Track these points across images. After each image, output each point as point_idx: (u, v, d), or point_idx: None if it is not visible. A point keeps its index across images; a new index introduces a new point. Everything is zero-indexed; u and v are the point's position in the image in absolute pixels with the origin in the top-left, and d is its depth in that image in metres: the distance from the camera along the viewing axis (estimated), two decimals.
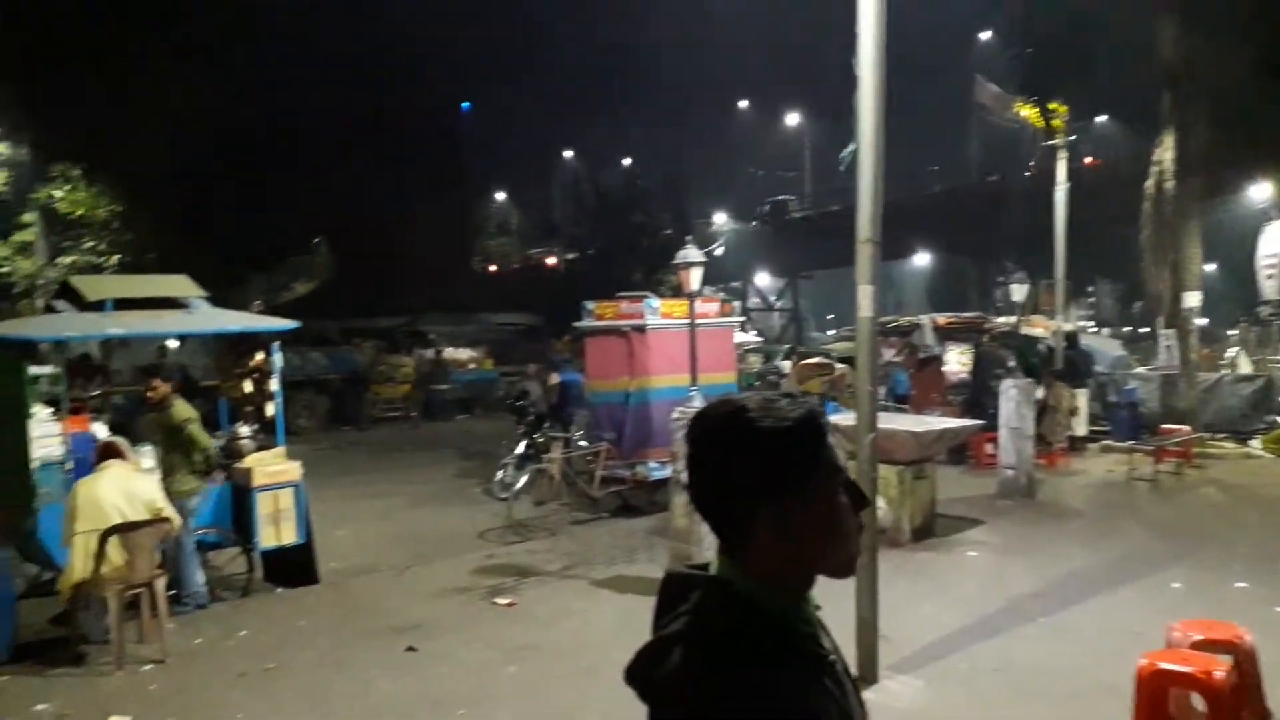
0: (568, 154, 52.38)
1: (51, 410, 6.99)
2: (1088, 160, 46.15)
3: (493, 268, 45.14)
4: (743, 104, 50.63)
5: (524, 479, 13.07)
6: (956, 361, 16.59)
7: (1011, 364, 15.39)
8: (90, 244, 21.80)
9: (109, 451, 6.26)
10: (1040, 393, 15.77)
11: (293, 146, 27.44)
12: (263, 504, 7.66)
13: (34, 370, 6.82)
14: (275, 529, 7.73)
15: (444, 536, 10.88)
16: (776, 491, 1.23)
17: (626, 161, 41.77)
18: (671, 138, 40.08)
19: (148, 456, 7.56)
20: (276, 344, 8.22)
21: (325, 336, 23.74)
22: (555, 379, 14.26)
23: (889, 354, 16.08)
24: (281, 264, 39.49)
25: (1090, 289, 47.66)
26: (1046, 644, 6.42)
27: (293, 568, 8.13)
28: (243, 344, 8.52)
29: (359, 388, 22.16)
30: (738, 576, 1.26)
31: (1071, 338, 16.68)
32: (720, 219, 37.46)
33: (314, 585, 8.13)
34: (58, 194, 21.32)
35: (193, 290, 7.79)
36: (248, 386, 8.37)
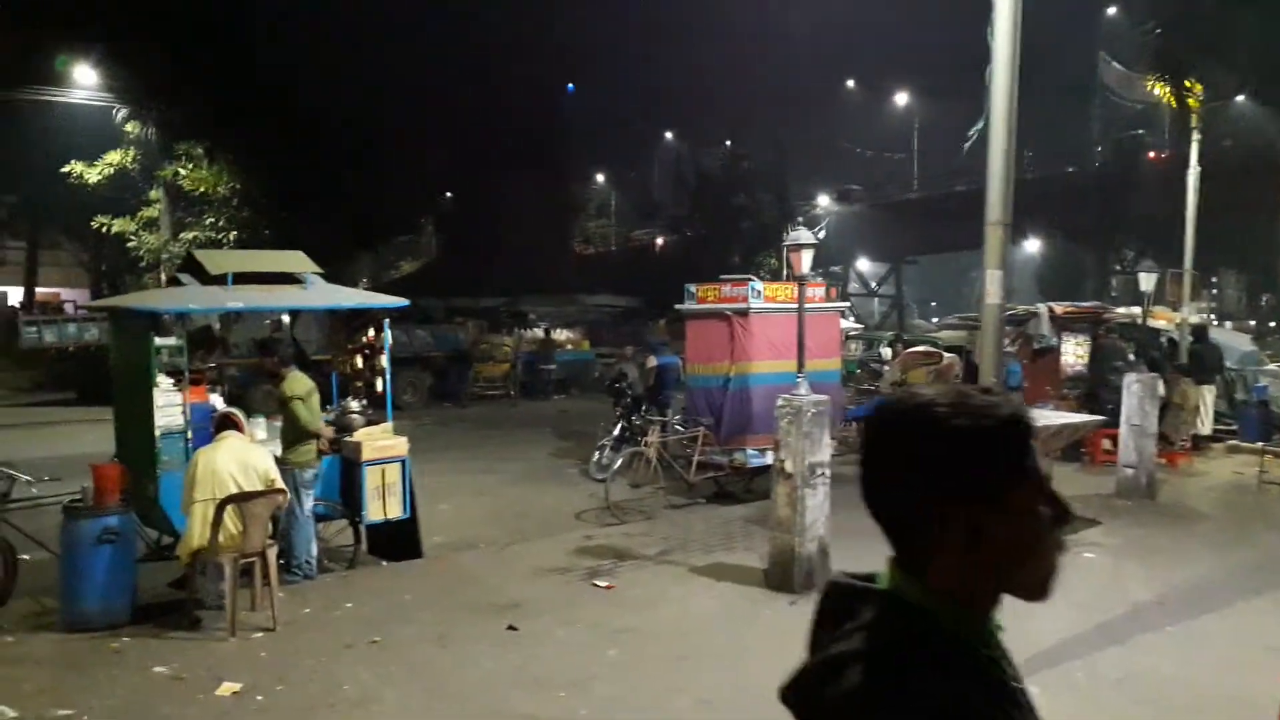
0: (668, 135, 52.27)
1: (173, 381, 7.24)
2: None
3: (591, 249, 45.41)
4: (849, 83, 49.43)
5: (620, 461, 13.11)
6: (1072, 353, 15.85)
7: (1132, 357, 14.68)
8: (210, 220, 22.69)
9: (226, 422, 6.45)
10: (1163, 388, 15.07)
11: (401, 127, 27.99)
12: (370, 478, 7.81)
13: (158, 341, 7.06)
14: (382, 503, 7.87)
15: (542, 515, 10.98)
16: (972, 499, 1.09)
17: (728, 143, 41.38)
18: (775, 117, 39.39)
19: (261, 427, 7.78)
20: (387, 321, 8.35)
21: (429, 315, 24.26)
22: (653, 362, 14.20)
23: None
24: (388, 243, 40.63)
25: (1214, 279, 45.20)
26: (1174, 655, 6.06)
27: (397, 541, 8.28)
28: (355, 320, 8.69)
29: (461, 365, 22.56)
30: (917, 592, 1.13)
31: (1199, 331, 15.77)
32: (824, 201, 36.72)
33: (417, 559, 8.27)
34: (182, 171, 22.23)
35: (308, 266, 7.97)
36: (358, 362, 8.53)
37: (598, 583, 7.51)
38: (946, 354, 17.15)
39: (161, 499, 7.07)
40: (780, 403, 7.31)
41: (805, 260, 7.46)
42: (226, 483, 6.23)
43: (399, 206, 30.80)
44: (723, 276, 11.71)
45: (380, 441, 7.93)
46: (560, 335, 25.57)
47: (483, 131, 31.82)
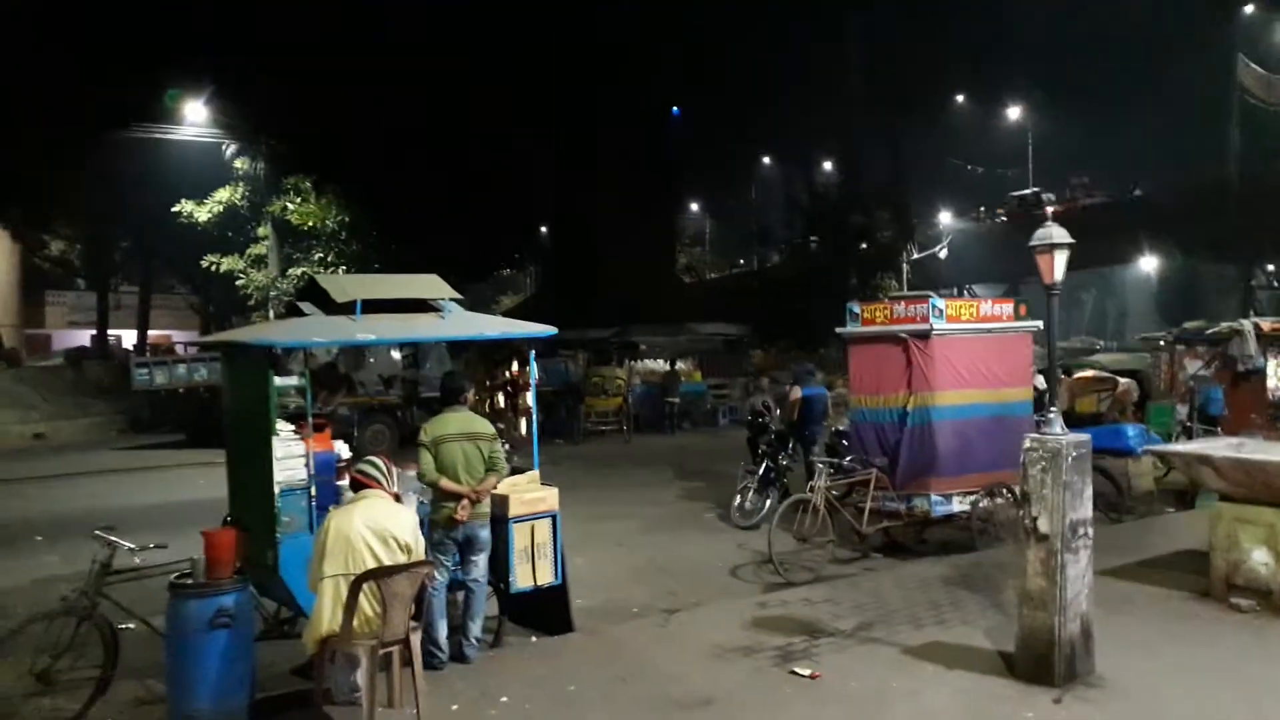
0: (767, 160, 50.91)
1: (293, 427, 6.17)
2: None
3: (693, 278, 44.24)
4: (958, 98, 47.40)
5: (767, 505, 11.70)
6: (1275, 375, 13.83)
7: None
8: (319, 255, 22.26)
9: (364, 480, 5.29)
10: None
11: (505, 160, 27.43)
12: (519, 537, 6.60)
13: (277, 381, 6.00)
14: (530, 566, 6.65)
15: (692, 571, 9.65)
16: None
17: (827, 165, 39.81)
18: (887, 134, 37.72)
19: (410, 480, 6.61)
20: (533, 352, 7.17)
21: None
22: (797, 393, 12.80)
23: (1195, 366, 13.59)
24: (491, 275, 40.24)
25: None
26: None
27: (543, 609, 7.03)
28: (495, 353, 7.52)
29: (571, 400, 21.49)
30: None
31: None
32: (945, 218, 34.81)
33: (570, 633, 7.00)
34: (290, 206, 21.87)
35: (445, 291, 6.85)
36: (500, 400, 7.35)
37: (798, 670, 6.10)
38: (1121, 379, 15.31)
39: (281, 568, 5.97)
40: (1030, 444, 5.82)
41: (1059, 265, 6.02)
42: (363, 555, 5.06)
43: (507, 236, 30.24)
44: (895, 294, 10.28)
45: (528, 494, 6.72)
46: (678, 366, 24.37)
47: (587, 158, 31.05)
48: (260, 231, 22.73)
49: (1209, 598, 7.47)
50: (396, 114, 22.15)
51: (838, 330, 10.50)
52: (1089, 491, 5.85)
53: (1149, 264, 49.37)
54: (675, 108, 38.38)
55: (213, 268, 22.98)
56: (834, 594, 8.02)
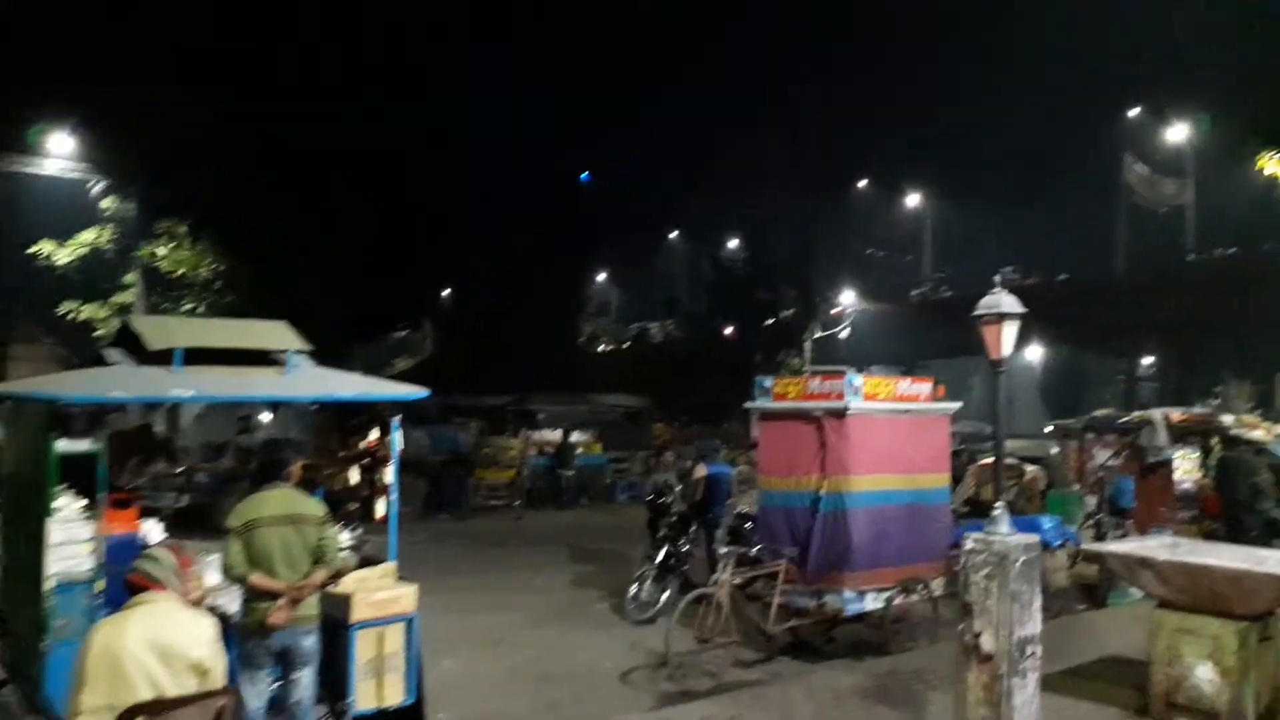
0: (673, 234, 50.95)
1: (84, 504, 4.92)
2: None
3: (597, 348, 43.46)
4: (861, 183, 48.50)
5: (665, 596, 10.67)
6: (1183, 468, 13.62)
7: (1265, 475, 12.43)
8: (190, 305, 20.55)
9: (141, 582, 4.05)
10: None
11: (400, 216, 26.31)
12: (363, 646, 5.40)
13: (62, 445, 4.76)
14: (377, 683, 5.45)
15: (578, 676, 8.51)
16: None
17: (734, 243, 39.95)
18: (785, 216, 38.08)
19: (213, 567, 5.37)
20: (397, 419, 6.05)
21: (425, 414, 22.00)
22: (702, 471, 11.90)
23: (1104, 455, 13.25)
24: (384, 338, 38.56)
25: (1217, 389, 43.43)
26: None
27: None
28: (352, 418, 6.37)
29: (461, 471, 20.10)
30: None
31: None
32: (848, 298, 35.04)
33: None
34: (160, 251, 20.20)
35: (291, 342, 5.69)
36: (354, 476, 6.18)
37: None
38: (1029, 466, 14.92)
39: (47, 683, 4.67)
40: (973, 546, 5.00)
41: (1008, 338, 5.31)
42: (135, 682, 3.82)
43: (402, 295, 28.94)
44: (811, 368, 9.54)
45: (379, 593, 5.56)
46: (575, 437, 23.25)
47: (488, 219, 30.15)
48: (128, 278, 20.93)
49: (1147, 716, 6.73)
50: (285, 162, 20.89)
51: (746, 405, 9.67)
52: (1039, 602, 5.06)
53: (1034, 353, 50.83)
54: (585, 174, 38.05)
55: (70, 315, 20.99)
56: (738, 710, 7.01)
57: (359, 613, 5.43)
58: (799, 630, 9.18)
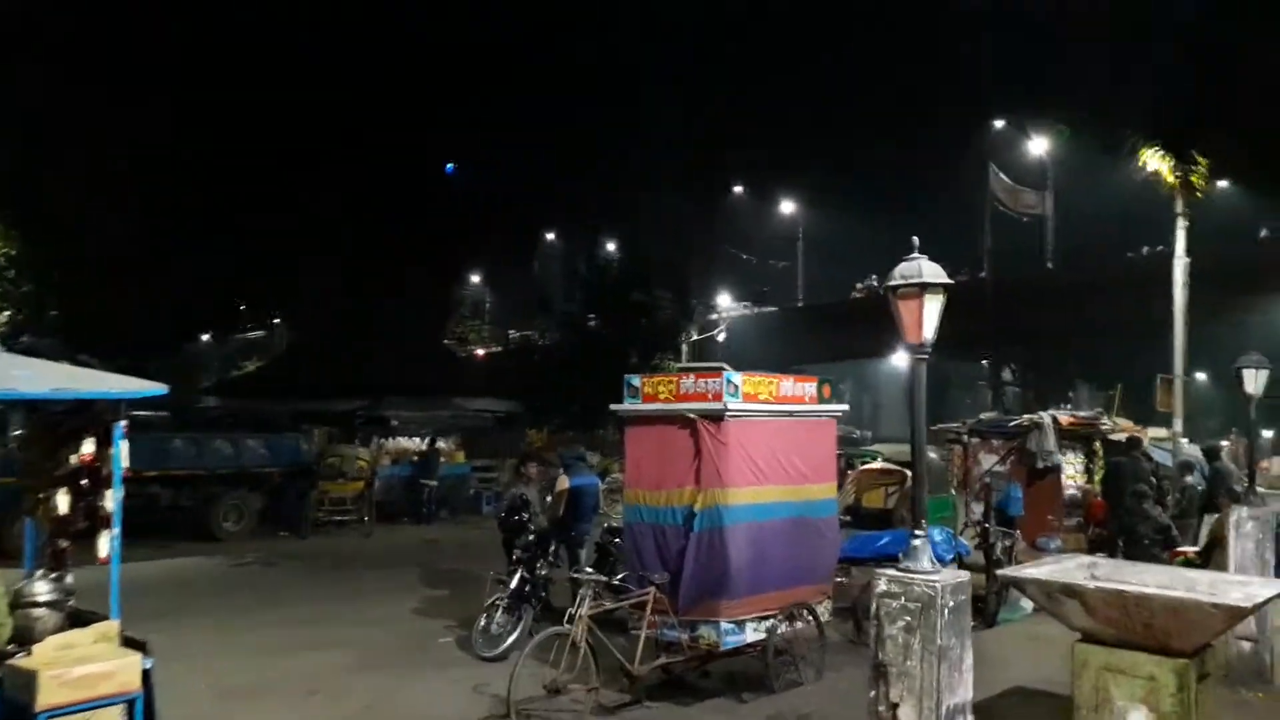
0: (549, 236, 49.49)
1: None
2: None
3: (468, 351, 41.55)
4: (737, 189, 48.21)
5: (520, 627, 9.27)
6: (1068, 473, 13.10)
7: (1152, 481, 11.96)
8: None
9: None
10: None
11: (241, 208, 24.05)
12: None
13: None
14: None
15: None
16: None
17: (612, 246, 38.91)
18: (662, 218, 37.23)
19: None
20: (121, 426, 4.43)
21: (273, 420, 19.92)
22: (565, 484, 10.54)
23: (990, 461, 12.55)
24: (231, 336, 35.70)
25: (1070, 394, 45.12)
26: None
27: None
28: (65, 423, 4.71)
29: (303, 484, 18.10)
30: None
31: (1212, 452, 13.27)
32: (724, 301, 34.34)
33: None
34: None
35: None
36: (61, 503, 4.51)
37: None
38: (909, 472, 14.16)
39: None
40: (887, 587, 3.79)
41: (930, 315, 4.17)
42: None
43: (247, 293, 26.55)
44: (684, 365, 8.33)
45: (83, 668, 3.96)
46: (440, 445, 21.50)
47: (348, 210, 28.02)
48: None
49: None
50: (106, 138, 18.48)
51: (613, 407, 8.36)
52: (970, 659, 3.89)
53: (900, 359, 51.65)
54: (449, 166, 36.15)
55: None
56: None
57: (49, 696, 3.83)
58: (670, 667, 7.91)
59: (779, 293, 49.13)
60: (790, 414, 8.11)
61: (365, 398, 23.03)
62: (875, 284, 41.71)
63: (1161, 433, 15.92)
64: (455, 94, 35.00)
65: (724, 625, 7.49)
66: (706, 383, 7.62)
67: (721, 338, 32.62)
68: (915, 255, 4.43)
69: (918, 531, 4.18)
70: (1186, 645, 5.46)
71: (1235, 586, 5.83)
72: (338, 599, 12.24)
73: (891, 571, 3.95)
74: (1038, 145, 39.52)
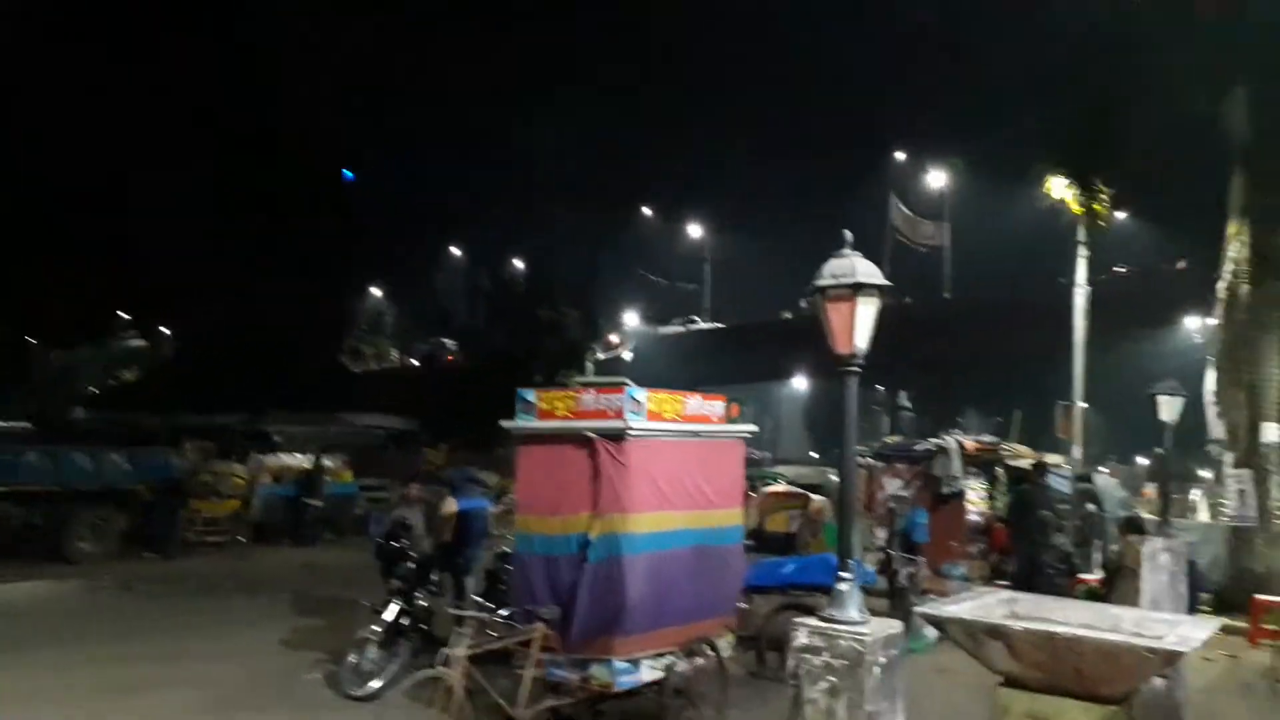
0: (455, 251, 48.36)
1: None
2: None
3: (367, 365, 40.02)
4: (645, 210, 48.05)
5: (395, 663, 8.45)
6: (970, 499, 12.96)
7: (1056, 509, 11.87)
8: None
9: None
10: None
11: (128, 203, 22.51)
12: None
13: None
14: None
15: None
16: None
17: (519, 263, 38.15)
18: (570, 237, 36.68)
19: None
20: None
21: (149, 435, 18.50)
22: (452, 507, 9.78)
23: (895, 486, 12.27)
24: (107, 344, 33.47)
25: (960, 419, 46.28)
26: None
27: None
28: None
29: (172, 501, 16.75)
30: None
31: (1085, 479, 13.32)
32: (631, 320, 33.89)
33: None
34: None
35: None
36: None
37: None
38: (814, 496, 13.84)
39: None
40: (806, 640, 3.24)
41: (863, 319, 3.64)
42: None
43: (119, 296, 24.85)
44: (584, 380, 7.72)
45: None
46: (302, 461, 20.30)
47: (232, 217, 26.59)
48: None
49: None
50: None
51: (504, 424, 7.67)
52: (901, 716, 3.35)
53: (800, 382, 52.17)
54: (347, 172, 34.85)
55: None
56: None
57: None
58: (558, 710, 7.21)
59: (688, 314, 49.13)
60: (697, 434, 7.56)
61: (247, 411, 21.66)
62: (805, 307, 42.19)
63: (1058, 459, 16.04)
64: (355, 101, 33.91)
65: (618, 664, 6.85)
66: (608, 399, 7.02)
67: (629, 357, 32.18)
68: (847, 251, 3.91)
69: (844, 574, 3.62)
70: (1117, 691, 5.06)
71: (1163, 625, 5.47)
72: (197, 629, 11.13)
73: (813, 622, 3.39)
74: (936, 178, 40.53)
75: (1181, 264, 29.12)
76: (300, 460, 20.31)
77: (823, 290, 3.96)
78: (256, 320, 28.59)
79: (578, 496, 6.97)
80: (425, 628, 9.08)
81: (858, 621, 3.46)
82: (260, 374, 26.33)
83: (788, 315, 47.02)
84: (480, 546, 10.05)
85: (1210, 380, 13.15)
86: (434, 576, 9.45)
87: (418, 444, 26.15)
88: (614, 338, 35.26)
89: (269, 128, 28.96)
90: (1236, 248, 11.87)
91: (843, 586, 3.67)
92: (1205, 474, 21.60)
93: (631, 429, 6.81)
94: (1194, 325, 26.07)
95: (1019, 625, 5.09)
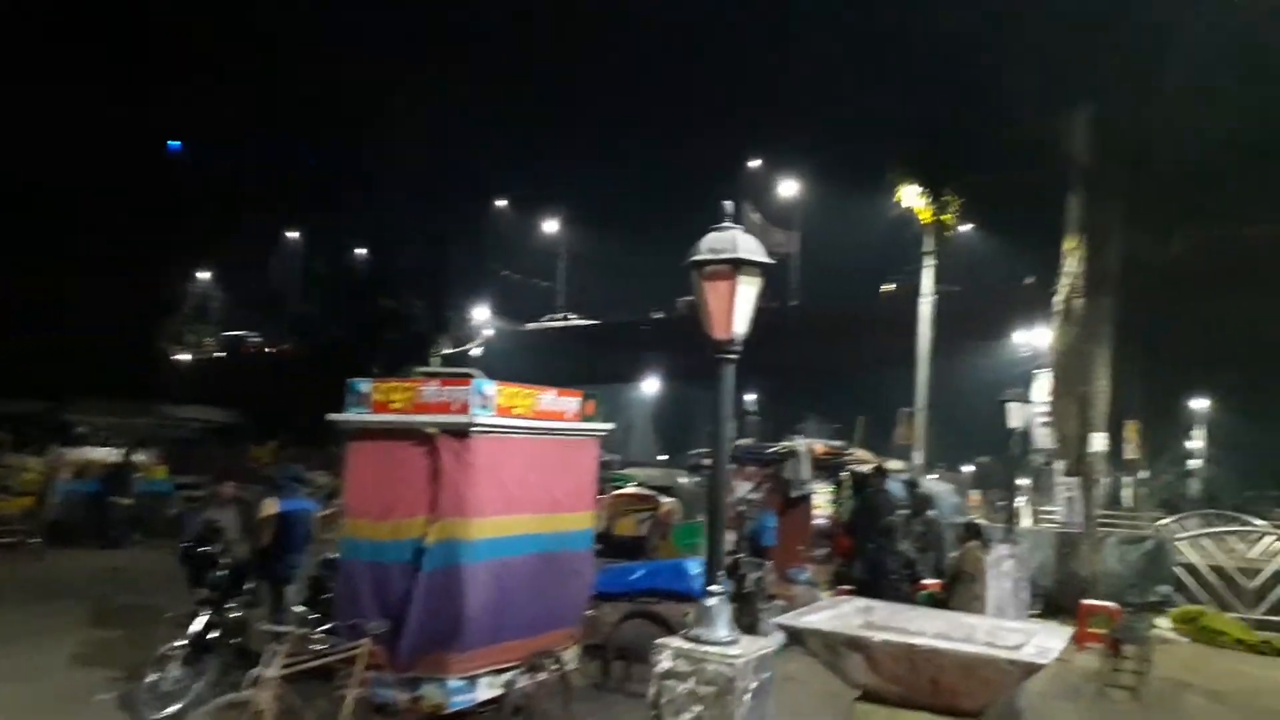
0: (294, 235, 45.85)
1: None
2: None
3: (190, 354, 37.33)
4: (500, 203, 47.04)
5: (197, 685, 7.54)
6: (828, 503, 13.01)
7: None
8: None
9: None
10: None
11: None
12: None
13: None
14: None
15: None
16: None
17: (362, 250, 36.45)
18: (417, 225, 35.31)
19: None
20: None
21: None
22: (272, 508, 8.86)
23: (744, 488, 12.12)
24: None
25: (801, 424, 47.81)
26: None
27: None
28: None
29: None
30: None
31: (912, 484, 13.63)
32: (482, 314, 32.88)
33: None
34: None
35: None
36: None
37: None
38: (664, 498, 13.61)
39: None
40: (670, 664, 2.80)
41: (743, 304, 3.20)
42: None
43: None
44: (422, 370, 7.08)
45: None
46: (110, 454, 18.57)
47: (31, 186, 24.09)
48: None
49: None
50: None
51: (332, 418, 6.94)
52: None
53: (651, 384, 52.49)
54: (174, 142, 32.36)
55: None
56: None
57: None
58: None
59: (542, 311, 48.40)
60: (550, 432, 7.06)
61: (45, 400, 19.61)
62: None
63: (898, 465, 16.43)
64: (183, 66, 31.49)
65: (453, 683, 6.26)
66: (452, 391, 6.41)
67: (478, 352, 31.24)
68: (728, 224, 3.51)
69: (714, 588, 3.21)
70: (975, 704, 4.90)
71: (1018, 635, 5.38)
72: None
73: (678, 643, 2.96)
74: (788, 187, 41.47)
75: (1030, 280, 30.61)
76: (108, 454, 18.51)
77: (699, 266, 3.54)
78: (57, 299, 26.02)
79: (414, 498, 6.34)
80: (238, 642, 8.22)
81: (727, 641, 3.06)
82: (62, 358, 23.95)
83: (659, 314, 47.16)
84: (303, 552, 9.15)
85: (1036, 391, 13.71)
86: (249, 585, 8.59)
87: (244, 439, 24.49)
88: (489, 332, 34.20)
89: (84, 90, 26.48)
90: (1072, 263, 12.39)
91: (711, 601, 3.27)
92: (1024, 481, 22.80)
93: (478, 424, 6.23)
94: (1021, 339, 27.45)
95: (879, 637, 4.85)
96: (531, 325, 43.34)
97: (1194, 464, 34.17)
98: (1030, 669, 4.73)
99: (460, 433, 6.22)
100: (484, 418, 6.26)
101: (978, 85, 12.98)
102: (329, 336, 26.55)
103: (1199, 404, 34.22)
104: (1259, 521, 21.41)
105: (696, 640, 3.06)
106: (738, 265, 3.51)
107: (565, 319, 45.31)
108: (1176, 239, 13.94)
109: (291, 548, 8.99)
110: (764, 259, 3.64)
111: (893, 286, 37.65)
